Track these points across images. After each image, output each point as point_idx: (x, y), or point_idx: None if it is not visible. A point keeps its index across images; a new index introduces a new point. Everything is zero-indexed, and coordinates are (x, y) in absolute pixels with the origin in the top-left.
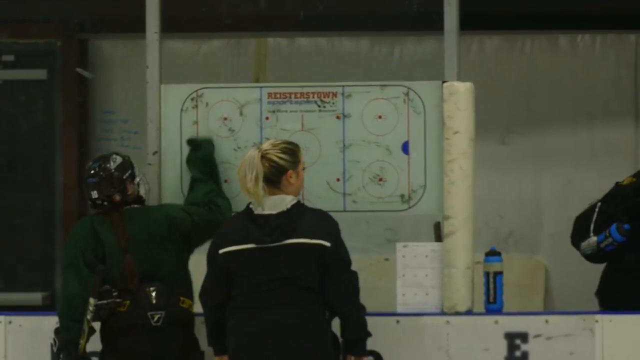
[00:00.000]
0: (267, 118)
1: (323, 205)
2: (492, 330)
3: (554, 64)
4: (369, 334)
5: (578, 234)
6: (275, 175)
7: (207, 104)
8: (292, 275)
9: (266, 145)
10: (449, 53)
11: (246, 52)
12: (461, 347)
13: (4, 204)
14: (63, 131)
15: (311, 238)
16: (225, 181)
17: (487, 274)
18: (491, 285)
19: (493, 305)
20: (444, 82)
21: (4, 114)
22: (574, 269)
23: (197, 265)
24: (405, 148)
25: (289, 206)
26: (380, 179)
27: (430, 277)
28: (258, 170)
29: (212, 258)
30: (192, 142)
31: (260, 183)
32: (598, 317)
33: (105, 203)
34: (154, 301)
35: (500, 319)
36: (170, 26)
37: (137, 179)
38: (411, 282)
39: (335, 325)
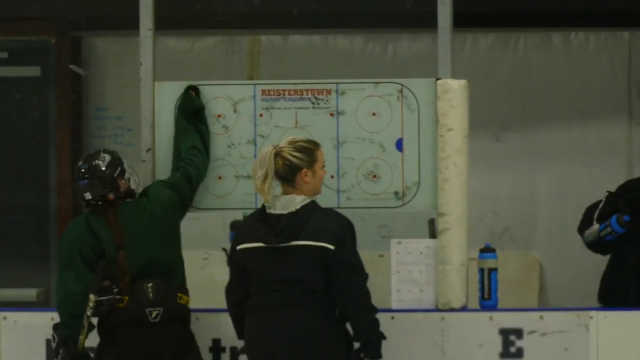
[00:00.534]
0: (261, 115)
1: (317, 202)
2: (487, 327)
3: (548, 62)
4: (381, 336)
5: (584, 223)
6: (288, 174)
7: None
8: (297, 278)
9: (283, 143)
10: (442, 50)
11: (240, 49)
12: (456, 344)
13: None
14: (57, 128)
15: (315, 240)
16: (219, 178)
17: (481, 271)
18: (486, 282)
19: (488, 301)
20: (437, 79)
21: None
22: (569, 266)
23: (189, 262)
24: (399, 145)
25: (298, 207)
26: (375, 176)
27: (425, 274)
28: (268, 168)
29: (232, 254)
30: (188, 90)
31: (269, 181)
32: (592, 313)
33: (99, 202)
34: (151, 297)
35: (495, 315)
36: (164, 23)
37: (127, 174)
38: (406, 278)
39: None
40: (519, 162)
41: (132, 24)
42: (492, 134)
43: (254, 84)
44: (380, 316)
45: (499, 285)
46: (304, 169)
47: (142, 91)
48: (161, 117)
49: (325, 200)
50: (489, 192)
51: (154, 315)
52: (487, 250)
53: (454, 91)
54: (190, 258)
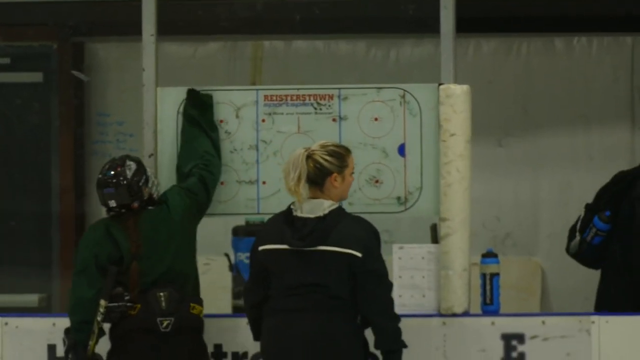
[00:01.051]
0: (263, 120)
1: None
2: (489, 332)
3: (550, 67)
4: (403, 345)
5: (569, 239)
6: (319, 177)
7: None
8: (321, 283)
9: (315, 146)
10: (445, 56)
11: (242, 55)
12: (458, 349)
13: (0, 206)
14: (59, 134)
15: (342, 247)
16: (222, 183)
17: (483, 276)
18: (488, 287)
19: (490, 306)
20: (440, 84)
21: (0, 117)
22: (571, 271)
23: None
24: (401, 150)
25: (326, 211)
26: (377, 181)
27: (427, 279)
28: (302, 169)
29: (253, 254)
30: (192, 93)
31: (303, 183)
32: (594, 318)
33: (123, 210)
34: (164, 306)
35: (497, 320)
36: (167, 29)
37: (151, 182)
38: (408, 283)
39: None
40: (522, 167)
41: (134, 30)
42: (495, 139)
43: (257, 90)
44: None
45: (501, 290)
46: (335, 174)
47: (144, 97)
48: (163, 123)
49: None
50: (492, 197)
51: (164, 324)
52: (489, 255)
53: (456, 96)
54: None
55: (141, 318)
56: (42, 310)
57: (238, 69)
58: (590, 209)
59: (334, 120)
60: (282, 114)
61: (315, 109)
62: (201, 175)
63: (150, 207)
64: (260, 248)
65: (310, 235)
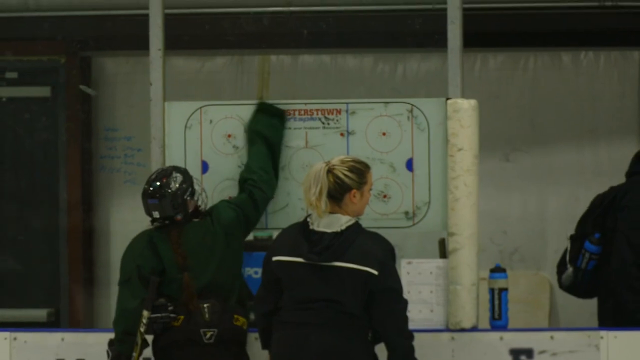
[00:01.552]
0: None
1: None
2: (497, 347)
3: (558, 81)
4: None
5: (559, 274)
6: (338, 192)
7: (211, 121)
8: (335, 299)
9: (335, 161)
10: (452, 70)
11: (250, 69)
12: None
13: (9, 220)
14: (67, 148)
15: (359, 264)
16: (229, 197)
17: (492, 291)
18: (496, 302)
19: (498, 321)
20: (447, 99)
21: (8, 131)
22: None
23: None
24: (409, 165)
25: (343, 227)
26: (385, 196)
27: (435, 294)
28: (323, 184)
29: (267, 264)
30: (263, 105)
31: (324, 197)
32: (603, 333)
33: (167, 222)
34: (207, 318)
35: (506, 335)
36: (174, 43)
37: (197, 194)
38: (416, 298)
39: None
40: (529, 181)
41: (141, 44)
42: (502, 154)
43: None
44: None
45: (510, 305)
46: (354, 190)
47: (152, 111)
48: (171, 137)
49: None
50: (499, 212)
51: (208, 336)
52: (497, 270)
53: (464, 111)
54: None
55: (184, 329)
56: (50, 325)
57: (245, 83)
58: (577, 238)
59: (341, 134)
60: (290, 128)
61: (323, 123)
62: (251, 192)
63: (195, 220)
64: (275, 259)
65: (327, 251)
